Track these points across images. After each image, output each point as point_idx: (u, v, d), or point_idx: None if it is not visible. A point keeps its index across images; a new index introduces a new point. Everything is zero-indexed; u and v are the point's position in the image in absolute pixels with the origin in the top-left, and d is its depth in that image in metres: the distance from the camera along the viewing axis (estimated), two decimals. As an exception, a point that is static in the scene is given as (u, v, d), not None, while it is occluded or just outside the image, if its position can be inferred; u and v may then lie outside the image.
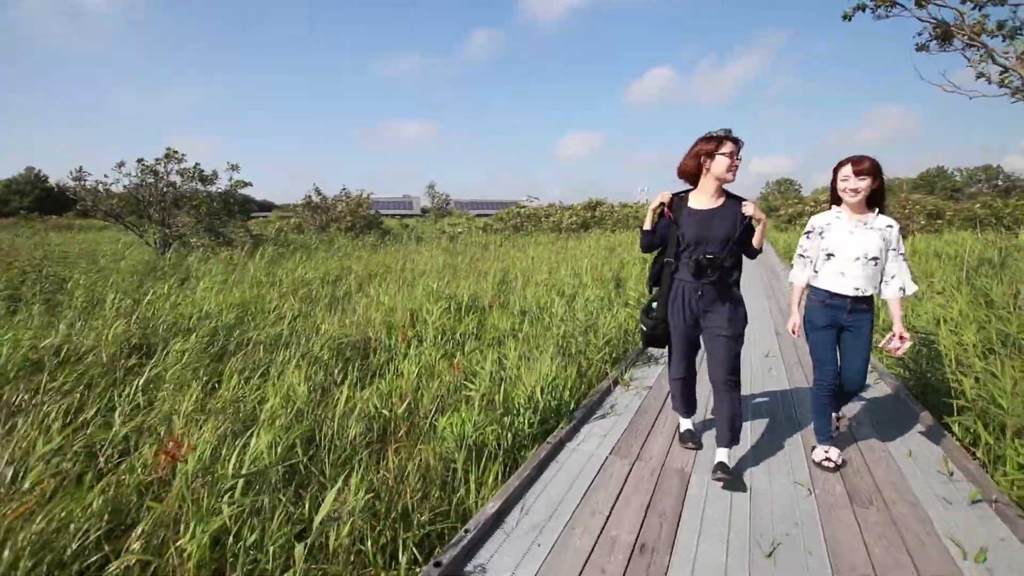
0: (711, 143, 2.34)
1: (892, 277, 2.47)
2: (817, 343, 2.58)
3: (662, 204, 2.49)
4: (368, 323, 4.80)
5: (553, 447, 2.71)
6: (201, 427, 2.65)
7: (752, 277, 9.41)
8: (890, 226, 2.44)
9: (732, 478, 2.39)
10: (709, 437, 2.85)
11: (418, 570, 1.87)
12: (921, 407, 3.27)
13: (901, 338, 2.47)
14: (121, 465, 2.41)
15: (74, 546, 1.87)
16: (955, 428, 2.86)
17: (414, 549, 1.97)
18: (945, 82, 6.28)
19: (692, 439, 2.83)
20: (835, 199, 2.55)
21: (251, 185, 12.32)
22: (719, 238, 2.36)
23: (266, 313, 5.17)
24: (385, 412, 2.93)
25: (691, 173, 2.45)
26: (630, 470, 2.57)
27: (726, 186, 2.42)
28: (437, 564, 1.79)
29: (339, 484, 2.01)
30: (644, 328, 2.67)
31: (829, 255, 2.50)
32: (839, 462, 2.58)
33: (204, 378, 3.41)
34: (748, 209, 2.36)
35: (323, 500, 2.08)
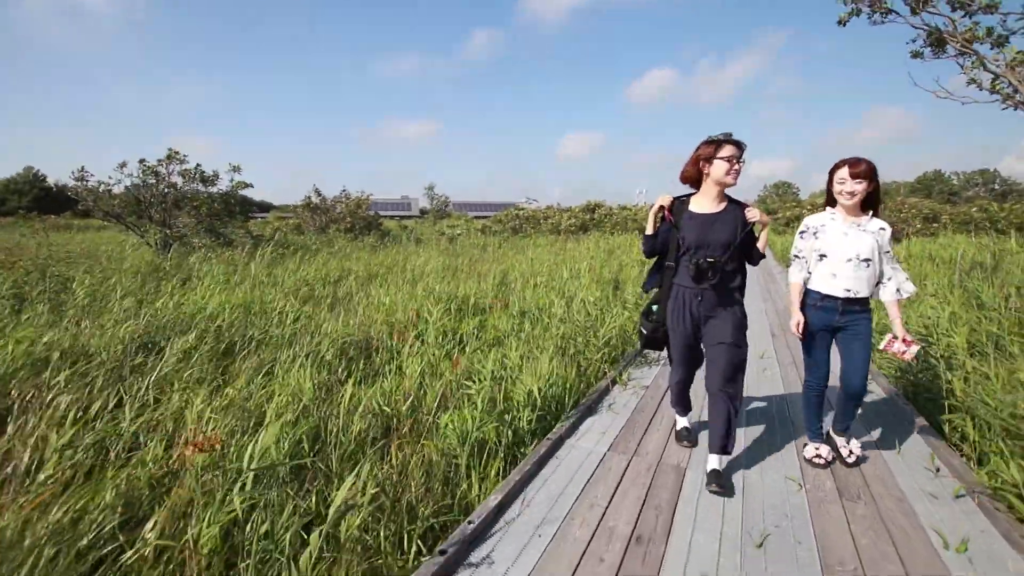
0: (710, 147, 2.34)
1: (888, 279, 2.50)
2: (809, 345, 2.61)
3: (662, 208, 2.49)
4: (370, 323, 4.88)
5: (553, 443, 2.79)
6: (211, 423, 2.73)
7: (749, 280, 9.50)
8: (883, 229, 2.46)
9: (725, 490, 2.38)
10: (705, 434, 2.93)
11: (423, 559, 1.94)
12: (910, 406, 3.35)
13: (905, 341, 2.48)
14: (131, 460, 2.48)
15: (90, 535, 1.94)
16: (944, 427, 2.94)
17: (419, 541, 2.05)
18: (938, 88, 6.39)
19: (688, 437, 2.90)
20: (830, 200, 2.56)
21: (252, 187, 12.39)
22: (720, 242, 2.35)
23: (268, 313, 5.24)
24: (388, 409, 3.01)
25: (692, 178, 2.46)
26: (627, 465, 2.65)
27: (729, 190, 2.42)
28: (442, 552, 1.87)
29: (354, 474, 2.08)
30: (644, 331, 2.68)
31: (822, 256, 2.51)
32: (829, 459, 2.66)
33: (210, 377, 3.49)
34: (752, 214, 2.37)
35: (330, 494, 2.16)
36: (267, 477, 2.24)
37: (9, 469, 2.35)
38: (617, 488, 2.43)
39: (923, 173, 58.81)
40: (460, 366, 3.53)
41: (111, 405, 3.03)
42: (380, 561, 1.94)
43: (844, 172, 2.40)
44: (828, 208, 2.58)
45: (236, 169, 11.82)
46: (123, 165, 10.93)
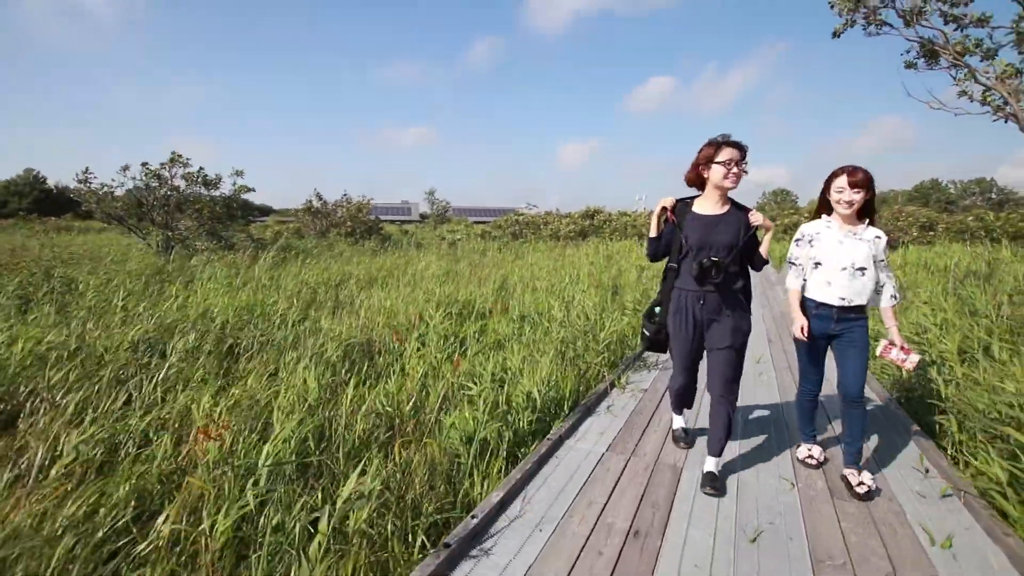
0: (710, 149, 2.33)
1: (883, 287, 2.51)
2: (803, 352, 2.64)
3: (665, 208, 2.49)
4: (372, 326, 4.95)
5: (553, 443, 2.86)
6: (219, 420, 2.79)
7: (746, 286, 9.58)
8: (878, 237, 2.45)
9: (719, 492, 2.43)
10: (701, 433, 3.01)
11: (428, 553, 2.01)
12: (901, 410, 3.44)
13: (903, 349, 2.49)
14: (140, 456, 2.55)
15: (105, 527, 2.01)
16: (935, 429, 3.03)
17: (423, 537, 2.11)
18: (932, 99, 6.53)
19: (685, 438, 2.97)
20: (824, 208, 2.57)
21: (254, 191, 12.50)
22: (723, 244, 2.35)
23: (270, 316, 5.31)
24: (390, 409, 3.08)
25: (694, 182, 2.47)
26: (625, 465, 2.72)
27: (732, 194, 2.43)
28: (446, 545, 1.94)
29: (359, 468, 2.15)
30: (646, 332, 2.69)
31: (817, 264, 2.51)
32: (821, 459, 2.74)
33: (215, 377, 3.56)
34: (756, 218, 2.37)
35: (335, 491, 2.23)
36: (275, 474, 2.31)
37: (23, 465, 2.43)
38: (615, 487, 2.50)
39: (920, 182, 59.18)
40: (461, 367, 3.60)
41: (120, 403, 3.09)
42: (387, 555, 2.01)
43: (843, 181, 2.39)
44: (824, 216, 2.57)
45: (239, 173, 11.92)
46: (126, 168, 11.03)
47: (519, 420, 3.02)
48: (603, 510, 2.29)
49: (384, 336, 4.62)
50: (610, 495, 2.42)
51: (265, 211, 43.74)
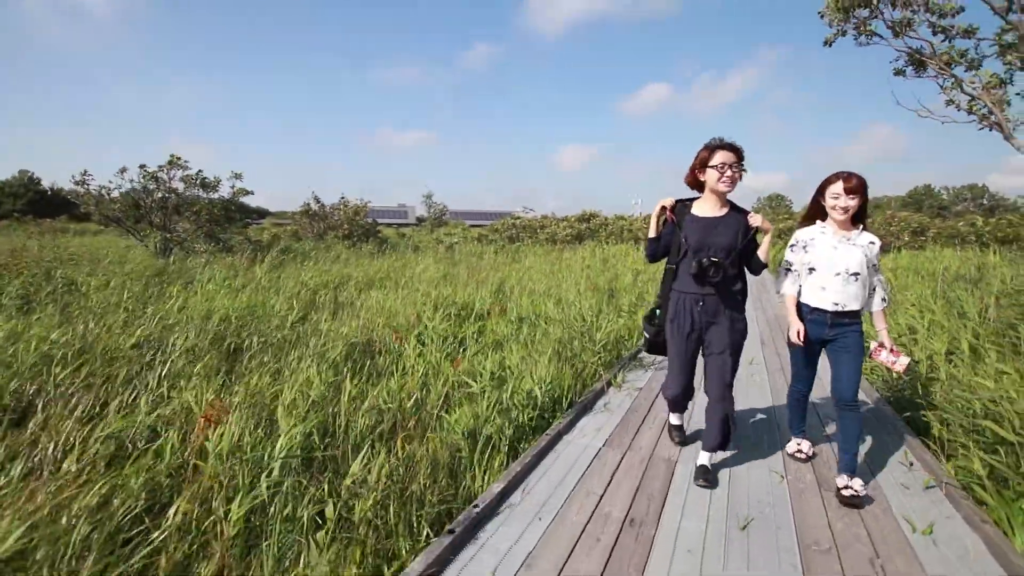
0: (706, 152, 2.36)
1: (874, 290, 2.54)
2: (796, 356, 2.69)
3: (664, 209, 2.51)
4: (373, 327, 5.03)
5: (552, 438, 2.94)
6: (218, 406, 2.86)
7: (740, 289, 9.71)
8: (872, 243, 2.47)
9: (711, 484, 2.51)
10: (696, 428, 3.10)
11: (432, 540, 2.09)
12: (888, 407, 3.55)
13: (893, 351, 2.52)
14: (148, 451, 2.62)
15: (118, 517, 2.08)
16: (922, 424, 3.13)
17: (428, 528, 2.19)
18: (920, 107, 6.69)
19: (680, 435, 3.02)
20: (816, 214, 2.58)
21: (252, 194, 12.56)
22: (722, 246, 2.37)
23: (271, 317, 5.38)
24: (393, 405, 3.15)
25: (693, 185, 2.50)
26: (622, 459, 2.81)
27: (731, 197, 2.45)
28: (450, 532, 2.02)
29: (362, 456, 2.23)
30: (647, 335, 2.73)
31: (811, 269, 2.52)
32: (810, 454, 2.84)
33: (216, 374, 3.63)
34: (756, 220, 2.39)
35: (340, 484, 2.30)
36: (284, 467, 2.39)
37: (36, 459, 2.50)
38: (612, 479, 2.59)
39: (914, 187, 59.86)
40: (460, 366, 3.69)
41: (128, 401, 3.16)
42: (392, 542, 2.09)
43: (838, 187, 2.39)
44: (818, 222, 2.58)
45: (237, 176, 11.98)
46: (123, 170, 11.07)
47: (520, 416, 3.10)
48: (600, 500, 2.38)
49: (384, 336, 4.70)
50: (607, 486, 2.51)
51: (261, 214, 43.67)
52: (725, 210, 2.45)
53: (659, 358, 4.77)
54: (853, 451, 2.49)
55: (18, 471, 2.31)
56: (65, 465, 2.43)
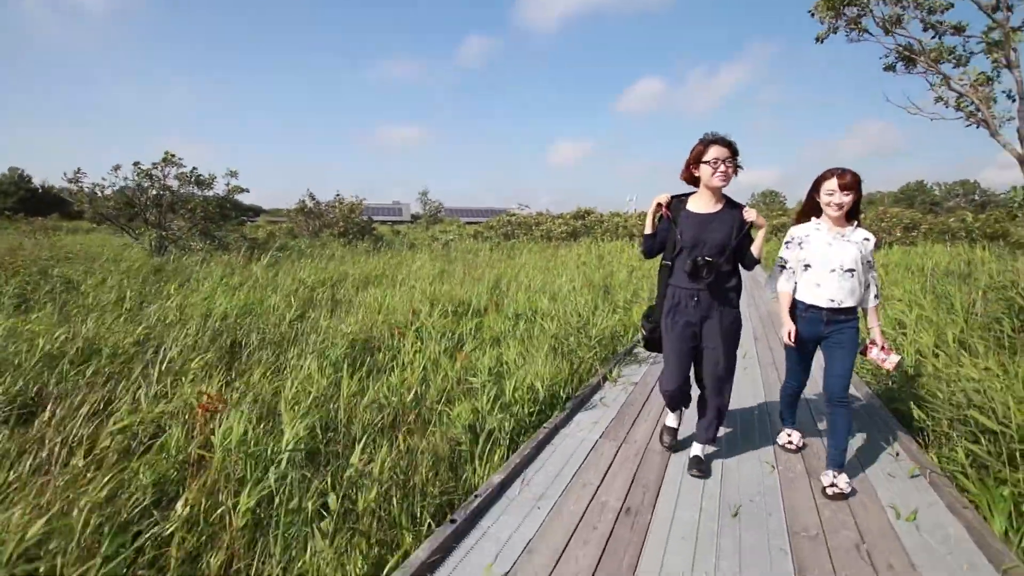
0: (699, 148, 2.37)
1: (867, 287, 2.54)
2: (790, 352, 2.69)
3: (660, 205, 2.52)
4: (371, 324, 5.08)
5: (549, 432, 3.02)
6: (228, 410, 2.91)
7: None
8: (867, 239, 2.48)
9: (704, 474, 2.56)
10: (689, 435, 3.17)
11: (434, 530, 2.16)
12: (876, 399, 3.64)
13: (884, 349, 2.54)
14: (153, 447, 2.67)
15: (128, 510, 2.13)
16: (907, 416, 3.23)
17: (429, 518, 2.26)
18: (910, 104, 6.79)
19: (671, 438, 2.91)
20: (811, 211, 2.59)
21: (248, 191, 12.54)
22: (716, 242, 2.38)
23: (270, 314, 5.42)
24: (394, 400, 3.21)
25: (689, 181, 2.51)
26: (617, 451, 2.89)
27: (726, 191, 2.45)
28: (452, 521, 2.09)
29: (362, 444, 2.29)
30: (644, 331, 2.75)
31: (806, 266, 2.52)
32: (800, 445, 2.92)
33: (219, 372, 3.67)
34: (750, 215, 2.40)
35: (342, 477, 2.36)
36: (290, 460, 2.44)
37: (45, 455, 2.54)
38: (608, 470, 2.67)
39: (907, 183, 60.34)
40: (462, 361, 3.75)
41: (132, 399, 3.20)
42: (395, 532, 2.15)
43: (833, 184, 2.39)
44: (813, 219, 2.58)
45: (233, 174, 11.96)
46: (117, 168, 11.03)
47: (521, 410, 3.17)
48: (597, 490, 2.46)
49: (383, 332, 4.76)
50: (603, 477, 2.59)
51: (256, 211, 43.46)
52: (720, 205, 2.47)
53: (654, 354, 4.84)
54: (842, 446, 2.50)
55: (27, 467, 2.35)
56: (73, 461, 2.48)
